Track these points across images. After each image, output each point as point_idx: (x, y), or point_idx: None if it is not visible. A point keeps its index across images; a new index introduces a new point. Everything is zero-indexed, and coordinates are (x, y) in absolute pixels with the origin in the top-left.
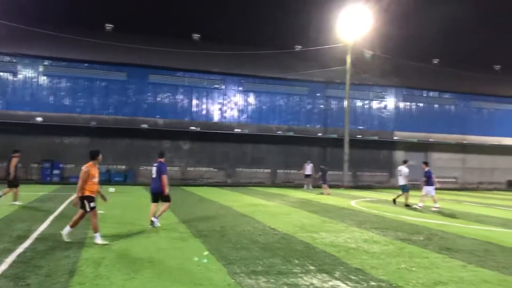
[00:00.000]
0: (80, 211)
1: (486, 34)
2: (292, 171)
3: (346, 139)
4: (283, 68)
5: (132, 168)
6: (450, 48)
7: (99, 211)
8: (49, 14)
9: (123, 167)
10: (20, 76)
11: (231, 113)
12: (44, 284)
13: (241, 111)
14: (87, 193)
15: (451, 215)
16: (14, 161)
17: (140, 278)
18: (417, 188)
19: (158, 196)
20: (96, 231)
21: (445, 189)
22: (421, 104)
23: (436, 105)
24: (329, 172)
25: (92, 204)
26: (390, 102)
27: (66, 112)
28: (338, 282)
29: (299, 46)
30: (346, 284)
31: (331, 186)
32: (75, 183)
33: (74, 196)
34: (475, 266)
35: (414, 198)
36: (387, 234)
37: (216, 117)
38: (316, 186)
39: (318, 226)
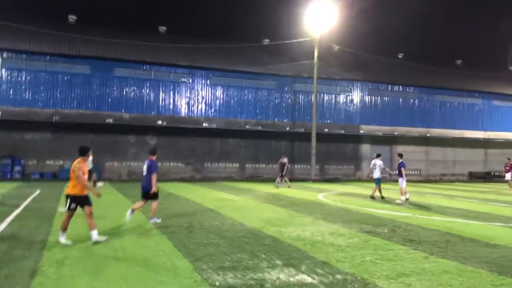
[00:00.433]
0: (86, 210)
1: (449, 30)
2: (260, 165)
3: (313, 133)
4: (251, 62)
5: (96, 164)
6: (414, 43)
7: (60, 210)
8: (8, 4)
9: None
10: None
11: (199, 107)
12: (4, 286)
13: (209, 105)
14: (73, 193)
15: (415, 207)
16: None
17: (104, 277)
18: (386, 180)
19: (148, 193)
20: (64, 230)
21: (409, 181)
22: (386, 98)
23: (400, 99)
24: (297, 166)
25: (72, 206)
26: (356, 96)
27: (27, 106)
28: (304, 276)
29: (267, 40)
30: (312, 277)
31: (299, 180)
32: (37, 180)
33: (91, 191)
34: (437, 257)
35: (386, 192)
36: (353, 227)
37: (183, 111)
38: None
39: (285, 220)
